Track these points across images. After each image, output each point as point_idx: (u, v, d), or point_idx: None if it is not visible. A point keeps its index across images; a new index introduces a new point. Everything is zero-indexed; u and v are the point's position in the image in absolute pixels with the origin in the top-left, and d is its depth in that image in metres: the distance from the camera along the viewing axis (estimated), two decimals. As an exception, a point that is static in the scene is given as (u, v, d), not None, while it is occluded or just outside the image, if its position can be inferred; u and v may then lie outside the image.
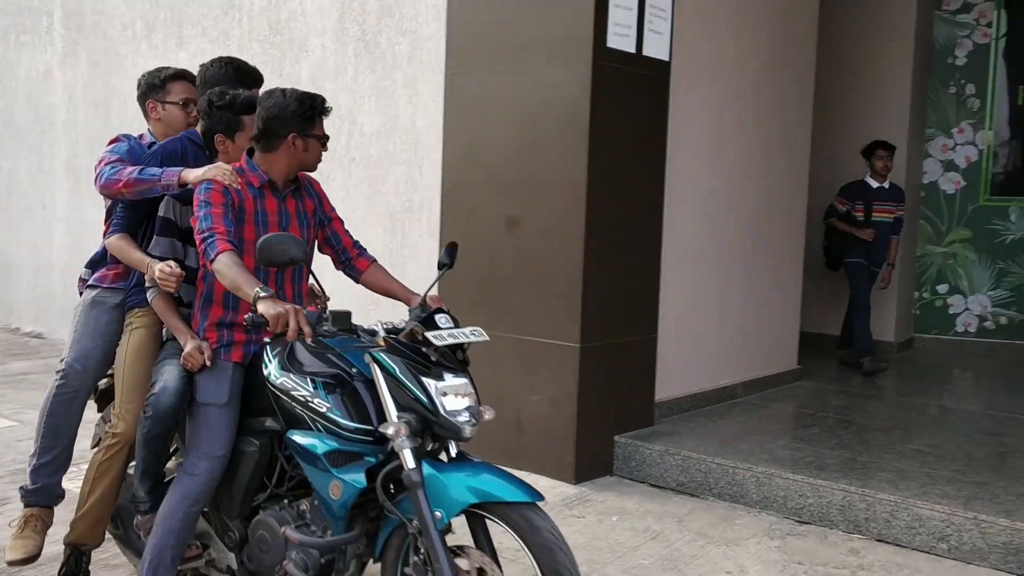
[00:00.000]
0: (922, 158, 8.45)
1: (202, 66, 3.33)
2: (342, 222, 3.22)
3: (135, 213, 3.14)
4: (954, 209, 8.43)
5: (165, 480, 3.04)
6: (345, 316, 2.67)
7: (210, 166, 2.87)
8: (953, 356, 8.19)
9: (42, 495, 3.23)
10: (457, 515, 2.45)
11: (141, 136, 3.38)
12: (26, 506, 3.25)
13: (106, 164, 3.04)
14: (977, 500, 3.95)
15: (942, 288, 8.53)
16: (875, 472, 4.33)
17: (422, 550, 2.53)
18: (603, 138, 4.57)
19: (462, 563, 2.50)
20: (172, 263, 2.90)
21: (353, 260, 3.18)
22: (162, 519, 2.86)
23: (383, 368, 2.55)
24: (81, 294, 3.33)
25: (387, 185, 5.73)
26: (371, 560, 2.74)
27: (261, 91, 3.02)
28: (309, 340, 2.52)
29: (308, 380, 2.69)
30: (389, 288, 3.15)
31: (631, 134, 4.78)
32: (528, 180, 4.73)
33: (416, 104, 5.57)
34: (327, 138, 2.94)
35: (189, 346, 2.87)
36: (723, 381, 5.75)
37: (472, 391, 2.55)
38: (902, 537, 3.93)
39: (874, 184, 7.10)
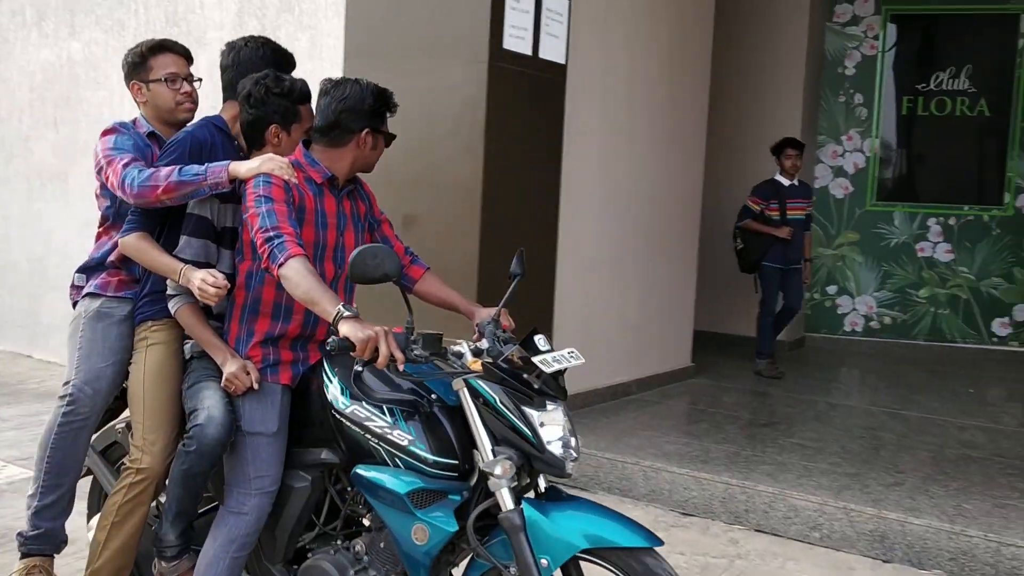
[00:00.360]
0: (814, 164, 8.78)
1: (230, 45, 2.90)
2: (391, 225, 2.89)
3: (153, 209, 2.67)
4: (843, 213, 8.79)
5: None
6: (436, 339, 2.32)
7: (263, 158, 2.50)
8: (841, 355, 8.53)
9: (44, 542, 2.84)
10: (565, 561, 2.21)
11: (135, 122, 2.93)
12: (24, 556, 2.84)
13: (123, 165, 2.63)
14: (848, 491, 4.15)
15: (831, 289, 8.88)
16: (756, 465, 4.50)
17: None
18: (499, 138, 4.64)
19: None
20: (216, 271, 2.50)
21: (406, 268, 2.82)
22: (206, 568, 2.51)
23: (477, 396, 2.27)
24: (75, 303, 2.93)
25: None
26: None
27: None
28: (401, 368, 2.20)
29: (385, 409, 2.38)
30: (447, 299, 2.81)
31: (527, 135, 4.86)
32: (425, 179, 4.76)
33: (316, 100, 5.54)
34: (394, 137, 2.65)
35: (232, 366, 2.48)
36: (617, 379, 5.88)
37: (569, 422, 2.29)
38: (778, 527, 4.10)
39: (785, 182, 7.03)
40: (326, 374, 2.49)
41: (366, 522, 2.54)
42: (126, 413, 2.84)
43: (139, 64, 2.89)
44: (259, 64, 2.78)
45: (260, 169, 2.45)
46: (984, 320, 8.56)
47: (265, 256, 2.35)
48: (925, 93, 8.64)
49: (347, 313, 2.19)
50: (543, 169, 5.05)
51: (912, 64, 8.72)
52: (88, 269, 2.90)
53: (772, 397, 6.41)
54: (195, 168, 2.52)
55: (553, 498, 2.30)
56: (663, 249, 6.34)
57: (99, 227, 2.93)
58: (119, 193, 2.63)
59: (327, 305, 2.23)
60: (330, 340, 2.17)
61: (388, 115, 2.62)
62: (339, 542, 2.55)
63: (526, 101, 4.83)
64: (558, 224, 5.19)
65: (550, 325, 5.16)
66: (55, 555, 2.88)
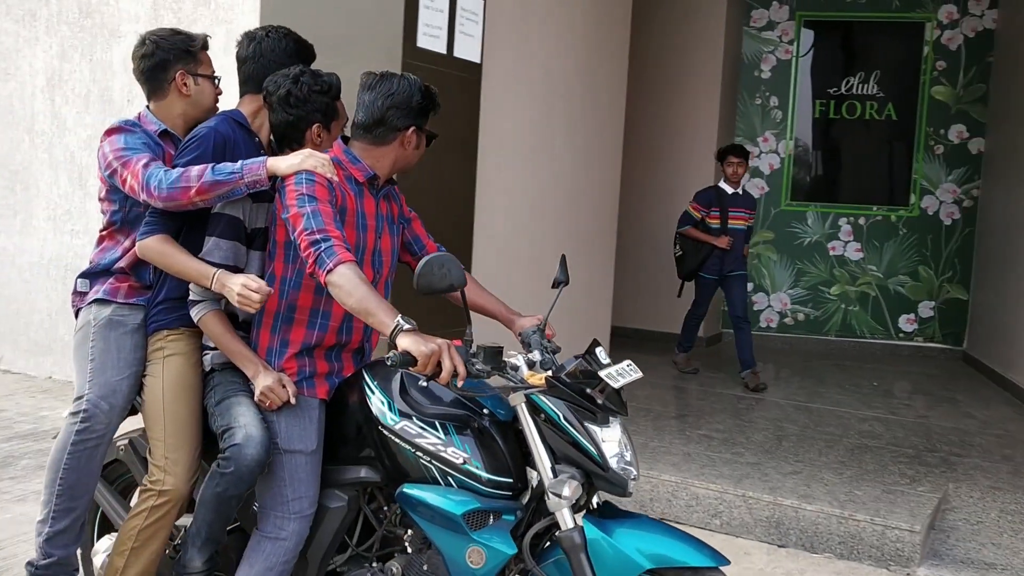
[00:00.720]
0: (731, 164, 8.99)
1: (249, 35, 2.72)
2: (422, 222, 2.76)
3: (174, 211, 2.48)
4: (759, 212, 9.03)
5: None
6: (497, 352, 2.21)
7: (303, 153, 2.36)
8: (756, 350, 8.69)
9: (57, 571, 2.64)
10: None
11: (140, 119, 2.70)
12: None
13: (143, 166, 2.43)
14: (748, 479, 4.30)
15: (748, 287, 9.12)
16: (662, 456, 4.64)
17: None
18: (413, 136, 4.68)
19: None
20: (256, 277, 2.34)
21: None
22: None
23: (539, 412, 2.18)
24: (77, 311, 2.72)
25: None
26: None
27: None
28: (461, 384, 2.08)
29: (437, 425, 2.27)
30: (485, 305, 2.70)
31: (442, 134, 4.89)
32: (340, 175, 4.78)
33: (233, 94, 5.51)
34: (435, 136, 2.54)
35: (267, 379, 2.33)
36: (535, 373, 5.97)
37: (629, 438, 2.22)
38: (681, 515, 4.24)
39: (729, 190, 6.81)
40: (368, 387, 2.35)
41: (405, 542, 2.41)
42: (124, 428, 2.73)
43: (192, 54, 2.71)
44: (282, 56, 2.67)
45: (302, 166, 2.32)
46: (891, 316, 8.89)
47: (311, 261, 2.20)
48: (837, 97, 8.94)
49: (407, 326, 2.09)
50: (460, 168, 5.10)
51: (825, 68, 9.00)
52: (92, 274, 2.68)
53: (686, 391, 6.58)
54: (230, 166, 2.36)
55: (610, 515, 2.22)
56: (581, 246, 6.45)
57: (102, 231, 2.74)
58: (142, 196, 2.42)
59: (384, 317, 2.11)
60: (390, 355, 2.06)
61: (432, 114, 2.51)
62: (374, 564, 2.44)
63: (441, 100, 4.86)
64: (474, 223, 5.25)
65: (466, 323, 5.22)
66: None
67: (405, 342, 2.06)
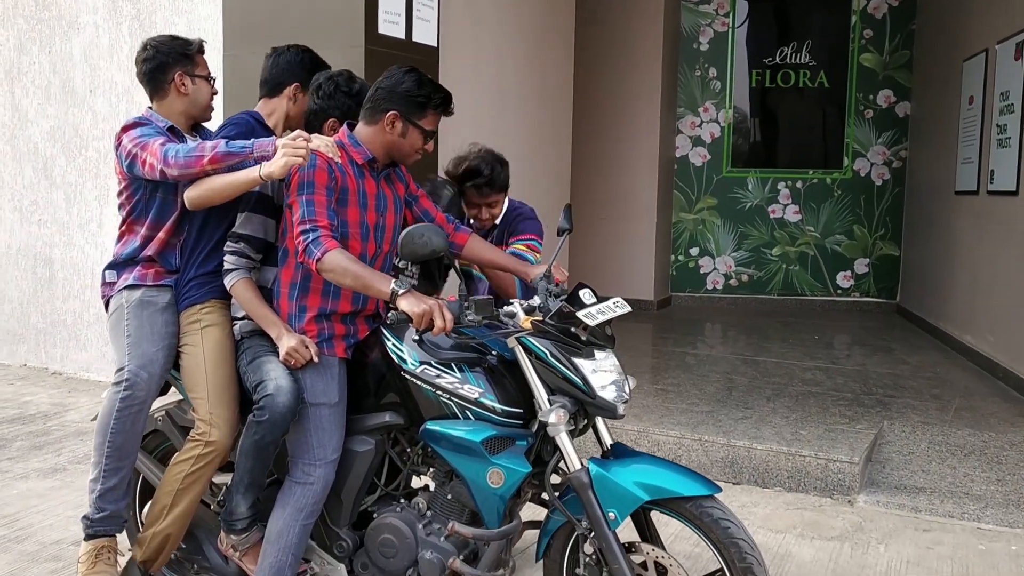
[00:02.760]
0: (674, 134, 9.37)
1: (274, 50, 3.07)
2: (429, 196, 3.01)
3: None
4: (702, 180, 9.43)
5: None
6: (488, 303, 2.44)
7: (285, 140, 2.56)
8: (704, 311, 9.21)
9: (111, 523, 2.86)
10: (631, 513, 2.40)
11: (147, 116, 2.92)
12: (90, 537, 2.86)
13: (160, 144, 2.68)
14: (703, 425, 4.68)
15: (694, 251, 9.53)
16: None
17: (592, 549, 2.46)
18: (378, 118, 4.92)
19: (635, 558, 2.47)
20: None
21: (451, 236, 2.89)
22: (276, 537, 2.63)
23: (530, 352, 2.45)
24: (107, 300, 2.96)
25: (169, 163, 5.82)
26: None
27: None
28: (437, 334, 2.37)
29: (453, 366, 2.54)
30: (496, 260, 2.93)
31: (404, 114, 5.16)
32: (309, 157, 5.01)
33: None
34: (432, 134, 2.68)
35: (291, 340, 2.59)
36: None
37: (619, 366, 2.48)
38: (644, 461, 4.60)
39: None
40: (389, 341, 2.63)
41: (426, 479, 2.71)
42: (161, 402, 2.96)
43: (189, 57, 2.93)
44: (296, 68, 2.98)
45: (280, 159, 2.51)
46: (829, 274, 9.38)
47: (301, 249, 2.48)
48: (772, 67, 9.33)
49: (402, 289, 2.38)
50: (421, 146, 5.36)
51: (759, 39, 9.39)
52: (118, 265, 2.93)
53: (639, 351, 6.96)
54: (241, 142, 2.62)
55: (619, 455, 2.49)
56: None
57: (121, 225, 2.95)
58: (159, 167, 2.65)
59: (381, 285, 2.41)
60: (390, 315, 2.39)
61: (431, 111, 2.63)
62: (401, 501, 2.71)
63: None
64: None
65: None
66: (118, 534, 2.93)
67: (403, 304, 2.37)
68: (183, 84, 2.91)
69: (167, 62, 2.91)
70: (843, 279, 9.36)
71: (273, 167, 2.52)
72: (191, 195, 2.69)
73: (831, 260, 9.37)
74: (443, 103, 2.67)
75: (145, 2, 5.87)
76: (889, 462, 4.48)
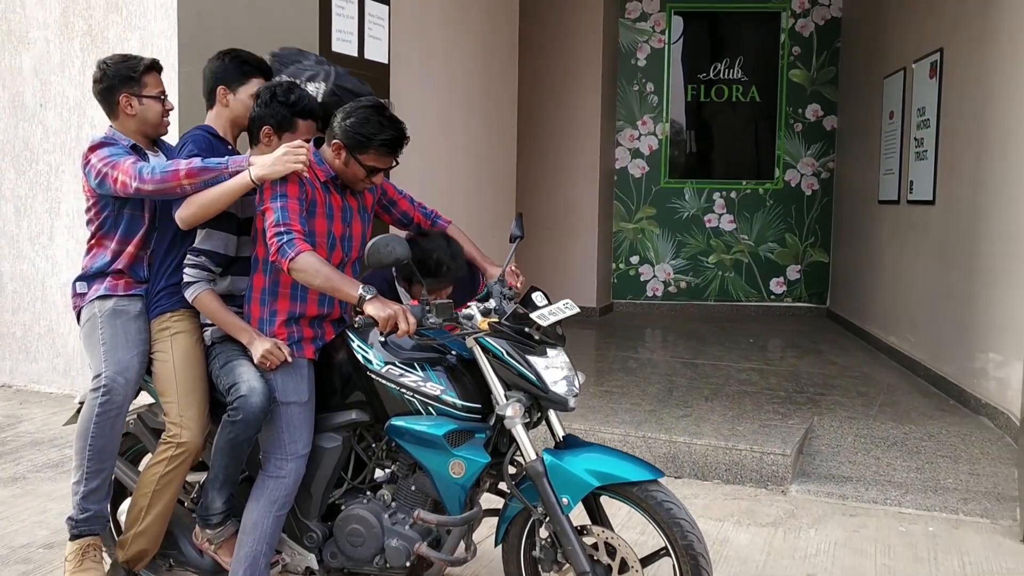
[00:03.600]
0: (614, 147, 9.69)
1: (209, 60, 3.16)
2: (410, 199, 3.18)
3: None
4: (641, 191, 9.77)
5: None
6: (447, 307, 2.59)
7: (286, 146, 2.70)
8: (644, 317, 9.52)
9: (95, 523, 2.98)
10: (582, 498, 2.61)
11: (110, 135, 3.06)
12: (75, 537, 2.97)
13: (131, 163, 2.81)
14: (646, 424, 4.94)
15: (634, 259, 9.85)
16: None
17: (547, 533, 2.68)
18: (332, 133, 5.10)
19: (588, 540, 2.68)
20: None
21: (429, 228, 3.14)
22: (251, 528, 2.79)
23: (487, 351, 2.64)
24: (78, 311, 3.07)
25: (122, 176, 5.90)
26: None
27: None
28: (402, 336, 2.53)
29: (415, 365, 2.72)
30: (468, 254, 3.13)
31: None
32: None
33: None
34: (376, 170, 2.79)
35: (265, 344, 2.74)
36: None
37: (569, 363, 2.68)
38: (591, 458, 4.84)
39: None
40: (354, 343, 2.79)
41: (391, 470, 2.89)
42: (132, 406, 3.04)
43: (134, 79, 3.04)
44: (234, 74, 3.05)
45: (277, 168, 2.66)
46: (763, 280, 9.78)
47: (275, 250, 2.62)
48: (706, 82, 9.72)
49: (369, 295, 2.55)
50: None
51: (694, 56, 9.77)
52: (88, 277, 3.05)
53: (584, 355, 7.21)
54: (217, 159, 2.76)
55: (570, 445, 2.71)
56: (482, 230, 6.98)
57: (90, 240, 3.07)
58: (133, 185, 2.76)
59: (349, 289, 2.58)
60: (357, 319, 2.56)
61: (372, 150, 2.73)
62: (367, 493, 2.89)
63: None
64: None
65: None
66: (101, 533, 3.03)
67: (370, 309, 2.55)
68: (129, 105, 3.04)
69: (114, 84, 3.04)
70: (776, 285, 9.77)
71: (271, 170, 2.65)
72: (183, 215, 2.78)
73: (764, 267, 9.76)
74: (386, 145, 2.75)
75: (97, 19, 5.96)
76: (819, 454, 4.80)
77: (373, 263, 2.54)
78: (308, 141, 2.86)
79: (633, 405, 5.36)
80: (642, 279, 9.86)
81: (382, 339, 2.74)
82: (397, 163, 2.86)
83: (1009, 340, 5.07)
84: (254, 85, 3.05)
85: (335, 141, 2.76)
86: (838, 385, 6.19)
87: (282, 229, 2.63)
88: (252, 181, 2.69)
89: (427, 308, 2.58)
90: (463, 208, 6.67)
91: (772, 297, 9.78)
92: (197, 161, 2.74)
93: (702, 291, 9.81)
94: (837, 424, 5.20)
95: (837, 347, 7.77)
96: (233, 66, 3.08)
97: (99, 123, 6.00)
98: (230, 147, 3.06)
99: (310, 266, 2.60)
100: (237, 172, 2.72)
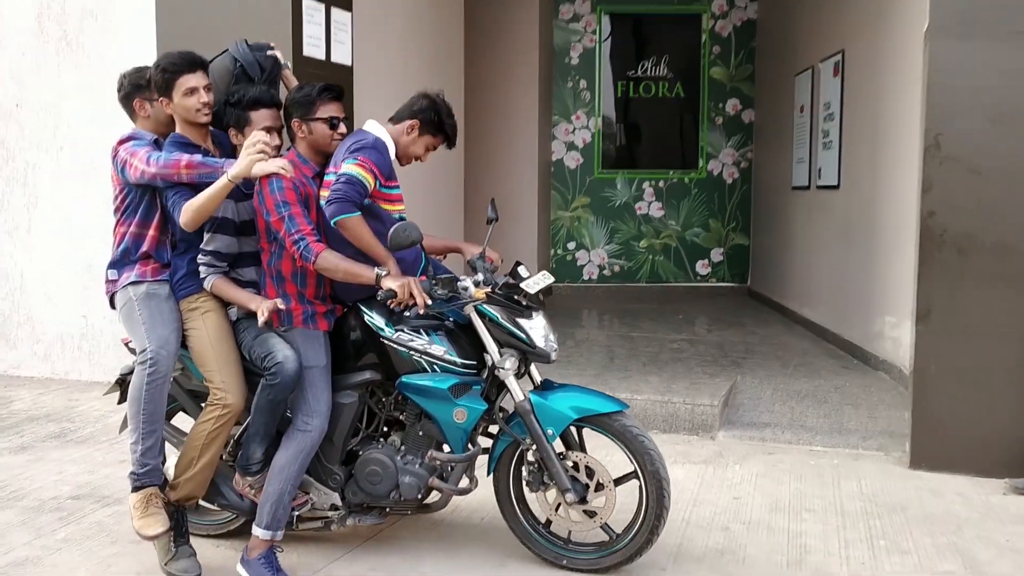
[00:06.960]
0: (550, 140, 10.33)
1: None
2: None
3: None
4: (576, 181, 10.43)
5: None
6: (451, 280, 3.09)
7: (275, 160, 3.07)
8: (582, 299, 10.19)
9: (154, 475, 3.30)
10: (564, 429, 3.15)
11: (136, 133, 3.41)
12: (138, 488, 3.28)
13: (147, 152, 3.20)
14: (592, 386, 5.48)
15: (571, 245, 10.51)
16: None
17: (533, 461, 3.21)
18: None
19: (567, 463, 3.20)
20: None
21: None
22: (279, 471, 3.20)
23: (483, 316, 3.15)
24: (112, 296, 3.40)
25: (98, 172, 6.28)
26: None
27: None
28: (422, 311, 3.04)
29: (421, 331, 3.19)
30: (445, 244, 3.69)
31: (325, 126, 5.86)
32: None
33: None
34: (335, 119, 3.24)
35: (266, 303, 3.13)
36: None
37: (548, 324, 3.24)
38: (545, 416, 5.46)
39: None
40: (367, 314, 3.25)
41: (402, 419, 3.34)
42: None
43: (144, 86, 3.44)
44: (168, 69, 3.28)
45: (267, 170, 3.03)
46: (690, 263, 10.53)
47: (298, 257, 3.09)
48: (635, 79, 10.42)
49: (383, 273, 3.04)
50: (339, 153, 6.06)
51: (623, 55, 10.46)
52: (116, 263, 3.38)
53: (531, 333, 7.83)
54: (216, 159, 3.17)
55: (548, 387, 3.28)
56: (434, 220, 7.54)
57: (116, 227, 3.42)
58: (140, 167, 3.17)
59: (366, 272, 3.06)
60: (379, 293, 3.03)
61: (319, 102, 3.22)
62: (380, 440, 3.37)
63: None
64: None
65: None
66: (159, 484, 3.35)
67: (388, 283, 3.03)
68: (142, 108, 3.50)
69: (130, 92, 3.51)
70: (701, 267, 10.53)
71: (241, 168, 3.02)
72: (183, 221, 3.15)
73: (691, 250, 10.52)
74: (325, 91, 3.26)
75: (72, 24, 6.31)
76: (741, 406, 5.51)
77: (394, 245, 3.04)
78: (269, 130, 3.21)
79: (579, 371, 6.00)
80: (579, 264, 10.52)
81: (396, 308, 3.13)
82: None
83: (901, 304, 5.84)
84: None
85: (293, 120, 3.25)
86: (758, 351, 6.94)
87: (296, 237, 3.07)
88: (229, 180, 3.04)
89: (433, 282, 3.10)
90: (420, 203, 7.21)
91: (698, 278, 10.53)
92: (198, 157, 3.16)
93: (634, 274, 10.51)
94: (757, 382, 5.92)
95: (758, 320, 8.54)
96: (162, 71, 3.33)
97: (74, 123, 6.38)
98: (203, 147, 3.34)
99: (330, 263, 3.09)
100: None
